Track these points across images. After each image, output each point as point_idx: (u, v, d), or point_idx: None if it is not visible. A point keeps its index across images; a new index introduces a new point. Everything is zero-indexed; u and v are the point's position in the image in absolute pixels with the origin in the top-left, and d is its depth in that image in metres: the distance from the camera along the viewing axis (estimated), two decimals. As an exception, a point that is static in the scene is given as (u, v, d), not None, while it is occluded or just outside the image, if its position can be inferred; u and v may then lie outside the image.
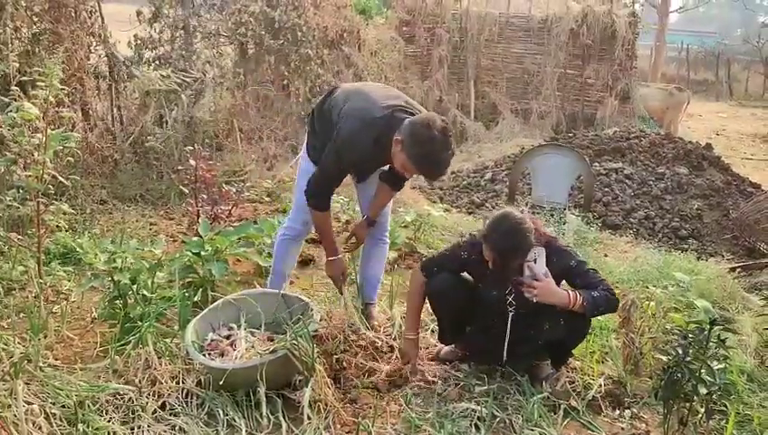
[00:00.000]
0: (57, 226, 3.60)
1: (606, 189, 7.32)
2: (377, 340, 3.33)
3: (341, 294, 3.40)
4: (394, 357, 3.20)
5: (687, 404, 2.72)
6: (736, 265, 5.41)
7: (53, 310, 3.38)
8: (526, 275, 2.78)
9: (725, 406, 2.81)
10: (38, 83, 3.37)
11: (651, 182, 7.47)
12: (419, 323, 3.21)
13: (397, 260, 4.70)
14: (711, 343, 2.60)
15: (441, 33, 12.30)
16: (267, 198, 6.16)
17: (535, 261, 2.77)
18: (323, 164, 3.05)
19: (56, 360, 2.98)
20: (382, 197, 3.35)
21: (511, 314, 2.91)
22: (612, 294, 2.82)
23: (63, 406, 2.55)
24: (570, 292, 2.75)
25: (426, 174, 2.98)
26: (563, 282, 2.91)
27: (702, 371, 2.57)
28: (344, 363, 3.03)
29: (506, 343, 2.96)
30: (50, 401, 2.57)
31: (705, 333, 2.59)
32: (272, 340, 2.95)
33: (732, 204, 7.23)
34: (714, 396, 2.61)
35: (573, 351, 3.14)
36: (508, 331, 2.93)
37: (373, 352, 3.16)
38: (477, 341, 3.16)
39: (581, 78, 12.16)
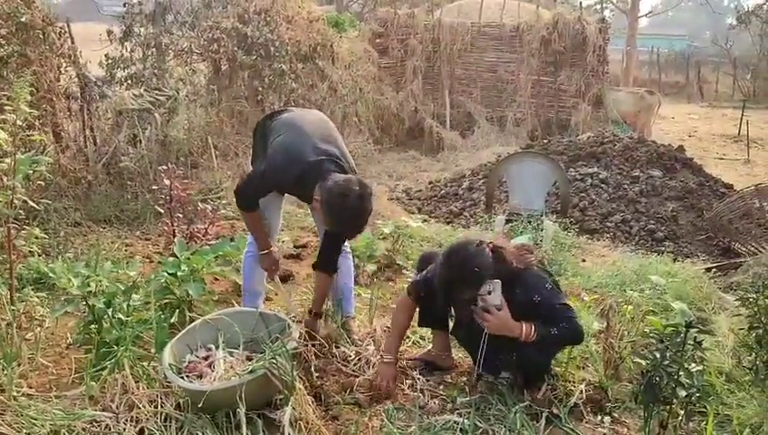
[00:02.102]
0: (29, 251, 3.55)
1: (582, 194, 7.39)
2: (358, 353, 3.32)
3: (272, 280, 3.52)
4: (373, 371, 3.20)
5: (667, 407, 2.74)
6: (712, 265, 5.48)
7: (27, 337, 3.32)
8: (480, 307, 2.77)
9: (705, 407, 2.82)
10: (6, 107, 3.32)
11: (626, 186, 7.55)
12: (399, 348, 3.18)
13: (376, 273, 4.69)
14: (688, 346, 2.62)
15: (414, 45, 12.39)
16: (244, 215, 6.12)
17: (489, 293, 2.74)
18: (251, 178, 3.21)
19: (30, 388, 2.92)
20: (322, 285, 3.42)
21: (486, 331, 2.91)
22: (573, 330, 2.82)
23: (38, 436, 2.51)
24: (524, 325, 2.75)
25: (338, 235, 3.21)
26: None
27: (680, 373, 2.59)
28: (325, 380, 3.01)
29: (481, 356, 2.96)
30: (24, 430, 2.52)
31: (682, 335, 2.62)
32: (251, 359, 2.92)
33: (706, 205, 7.33)
34: (693, 398, 2.63)
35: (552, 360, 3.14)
36: (483, 345, 2.92)
37: (353, 369, 3.15)
38: (460, 337, 3.20)
39: (555, 84, 12.31)
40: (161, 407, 2.69)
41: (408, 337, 3.63)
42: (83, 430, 2.56)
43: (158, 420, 2.64)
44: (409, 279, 3.52)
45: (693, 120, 17.53)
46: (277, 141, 3.14)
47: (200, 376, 2.83)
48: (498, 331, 2.76)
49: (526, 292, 2.81)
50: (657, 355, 2.64)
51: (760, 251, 5.87)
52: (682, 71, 26.15)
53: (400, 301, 3.18)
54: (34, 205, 3.50)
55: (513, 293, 2.78)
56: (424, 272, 3.10)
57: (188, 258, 3.72)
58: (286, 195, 3.48)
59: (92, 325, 3.16)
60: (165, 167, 4.92)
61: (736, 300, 3.93)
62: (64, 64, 5.99)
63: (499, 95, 12.62)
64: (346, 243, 3.65)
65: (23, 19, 5.24)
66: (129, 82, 7.24)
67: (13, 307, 3.28)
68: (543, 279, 2.91)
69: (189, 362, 2.91)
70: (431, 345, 3.41)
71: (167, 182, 4.71)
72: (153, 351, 3.06)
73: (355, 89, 10.26)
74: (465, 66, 12.68)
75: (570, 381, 3.15)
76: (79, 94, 6.20)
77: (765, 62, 24.95)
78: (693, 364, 2.63)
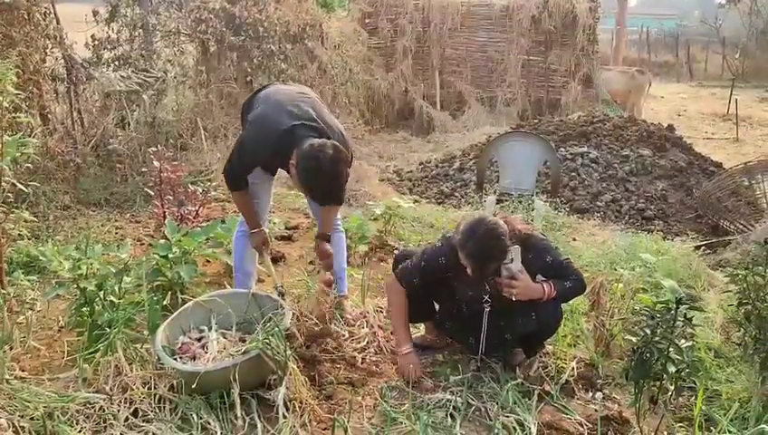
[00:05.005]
0: (19, 234, 3.52)
1: (572, 174, 7.39)
2: (352, 333, 3.34)
3: (263, 258, 3.46)
4: (370, 351, 3.23)
5: (657, 383, 2.78)
6: (701, 243, 5.52)
7: (18, 320, 3.30)
8: (504, 276, 2.79)
9: (694, 382, 2.86)
10: (-9, 89, 3.28)
11: (616, 165, 7.57)
12: (410, 335, 3.15)
13: (368, 253, 4.69)
14: (678, 322, 2.64)
15: (404, 25, 12.28)
16: (235, 197, 6.09)
17: (512, 260, 2.78)
18: (232, 156, 3.19)
19: (23, 371, 2.92)
20: (326, 213, 3.40)
21: (487, 310, 2.93)
22: (581, 280, 2.96)
23: (32, 418, 2.50)
24: (544, 285, 2.84)
25: (315, 200, 3.18)
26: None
27: (670, 349, 2.62)
28: (320, 359, 3.03)
29: (483, 338, 2.98)
30: (18, 413, 2.52)
31: (672, 312, 2.64)
32: (244, 340, 2.93)
33: (695, 183, 7.36)
34: (682, 373, 2.67)
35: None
36: (485, 326, 2.94)
37: (347, 358, 3.15)
38: (451, 330, 3.22)
39: (545, 64, 12.24)
40: (155, 388, 2.70)
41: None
42: (77, 412, 2.57)
43: (152, 402, 2.65)
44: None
45: (682, 99, 17.53)
46: (252, 115, 3.17)
47: (193, 357, 2.84)
48: (524, 296, 2.81)
49: (538, 254, 2.89)
50: (648, 332, 2.67)
51: (748, 229, 5.91)
52: (671, 50, 26.09)
53: (393, 292, 3.11)
54: (23, 188, 3.47)
55: (525, 257, 2.83)
56: (422, 258, 3.05)
57: (180, 240, 3.71)
58: (276, 176, 3.47)
59: (84, 308, 3.15)
60: (154, 149, 4.88)
61: (725, 277, 3.97)
62: (50, 46, 5.89)
63: (489, 75, 12.53)
64: (340, 223, 3.65)
65: (6, -1, 5.15)
66: (117, 63, 7.15)
67: (3, 291, 3.26)
68: (548, 240, 3.04)
69: (182, 344, 2.92)
70: (424, 330, 3.42)
71: (156, 164, 4.68)
72: (146, 333, 3.06)
73: (345, 69, 10.18)
74: (455, 46, 12.58)
75: (561, 359, 3.19)
76: (65, 76, 6.11)
77: (754, 41, 24.94)
78: (683, 340, 2.66)
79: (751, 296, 3.05)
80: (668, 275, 4.05)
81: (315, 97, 3.36)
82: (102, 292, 3.15)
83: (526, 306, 2.87)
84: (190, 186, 5.11)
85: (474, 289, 2.94)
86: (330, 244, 3.42)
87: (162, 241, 3.82)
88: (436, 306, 3.24)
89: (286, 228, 5.26)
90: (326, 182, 2.91)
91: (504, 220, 2.84)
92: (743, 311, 3.10)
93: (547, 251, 2.93)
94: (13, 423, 2.44)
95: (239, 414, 2.59)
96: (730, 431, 2.53)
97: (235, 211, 5.50)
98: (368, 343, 3.31)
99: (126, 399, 2.64)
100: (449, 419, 2.70)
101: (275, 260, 4.50)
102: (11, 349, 3.00)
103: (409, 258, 3.14)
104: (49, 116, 5.85)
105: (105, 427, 2.53)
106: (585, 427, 2.69)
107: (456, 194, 7.39)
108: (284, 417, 2.58)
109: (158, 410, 2.62)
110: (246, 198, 3.31)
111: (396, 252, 4.68)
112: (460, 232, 2.77)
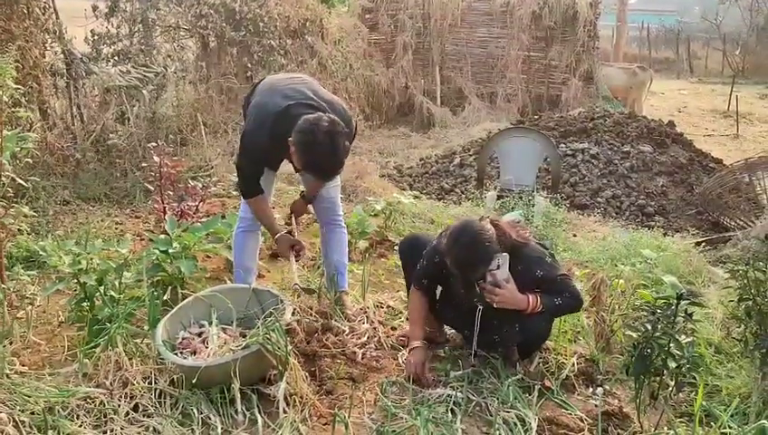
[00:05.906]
0: (18, 229, 3.51)
1: (573, 170, 7.39)
2: (352, 328, 3.34)
3: (293, 263, 3.41)
4: (370, 347, 3.23)
5: (658, 378, 2.78)
6: (701, 239, 5.52)
7: (18, 315, 3.30)
8: (488, 282, 2.76)
9: (694, 378, 2.86)
10: (-9, 83, 3.26)
11: (617, 161, 7.57)
12: (423, 334, 3.11)
13: (368, 249, 4.69)
14: (679, 318, 2.64)
15: (404, 20, 12.27)
16: (234, 192, 6.08)
17: (498, 267, 2.74)
18: (238, 159, 3.19)
19: (23, 366, 2.91)
20: (313, 184, 3.42)
21: (479, 308, 2.92)
22: (575, 298, 2.89)
23: (33, 413, 2.49)
24: (530, 297, 2.79)
25: (316, 178, 3.16)
26: None
27: (671, 345, 2.61)
28: (320, 355, 3.03)
29: (476, 335, 2.97)
30: (18, 408, 2.51)
31: (673, 308, 2.64)
32: (244, 335, 2.92)
33: (695, 180, 7.37)
34: (683, 369, 2.66)
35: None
36: (477, 324, 2.94)
37: (348, 354, 3.14)
38: (450, 319, 3.23)
39: (545, 60, 12.25)
40: (155, 383, 2.70)
41: (400, 312, 3.64)
42: (77, 406, 2.56)
43: (153, 397, 2.65)
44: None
45: (682, 95, 17.55)
46: (251, 106, 3.18)
47: (194, 352, 2.83)
48: (507, 305, 2.77)
49: (528, 267, 2.83)
50: (648, 327, 2.66)
51: (749, 225, 5.91)
52: (672, 46, 26.10)
53: (413, 293, 3.14)
54: (22, 183, 3.46)
55: (514, 268, 2.78)
56: (423, 259, 3.08)
57: (180, 236, 3.70)
58: (277, 171, 3.46)
59: (84, 303, 3.15)
60: (154, 144, 4.87)
61: (726, 273, 3.96)
62: (49, 40, 5.88)
63: (489, 71, 12.54)
64: (341, 218, 3.65)
65: (5, -7, 5.14)
66: (116, 58, 7.14)
67: (3, 286, 3.26)
68: (543, 253, 2.94)
69: (183, 339, 2.91)
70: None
71: (156, 159, 4.66)
72: (146, 328, 3.05)
73: (345, 65, 10.17)
74: (455, 42, 12.58)
75: (562, 355, 3.18)
76: (65, 71, 6.10)
77: (754, 38, 24.95)
78: (683, 336, 2.65)
79: (751, 292, 3.04)
80: (669, 271, 4.05)
81: (312, 80, 3.34)
82: (102, 287, 3.15)
83: (511, 316, 2.83)
84: (190, 181, 5.10)
85: (464, 289, 2.93)
86: (311, 204, 3.48)
87: (162, 236, 3.81)
88: (438, 293, 3.24)
89: (286, 223, 5.24)
90: (323, 156, 2.85)
91: (496, 225, 2.80)
92: (743, 307, 3.09)
93: (539, 264, 2.85)
94: (13, 418, 2.43)
95: (240, 409, 2.58)
96: (730, 427, 2.53)
97: (235, 207, 5.50)
98: (368, 338, 3.30)
99: (126, 393, 2.63)
100: (450, 414, 2.69)
101: (276, 256, 4.49)
102: (11, 344, 3.00)
103: (414, 244, 3.20)
104: (48, 111, 5.83)
105: (105, 421, 2.52)
106: (585, 422, 2.69)
107: (457, 190, 7.39)
108: (285, 412, 2.58)
109: (158, 405, 2.62)
110: (263, 205, 3.28)
111: (397, 248, 4.71)
112: (446, 236, 2.76)
